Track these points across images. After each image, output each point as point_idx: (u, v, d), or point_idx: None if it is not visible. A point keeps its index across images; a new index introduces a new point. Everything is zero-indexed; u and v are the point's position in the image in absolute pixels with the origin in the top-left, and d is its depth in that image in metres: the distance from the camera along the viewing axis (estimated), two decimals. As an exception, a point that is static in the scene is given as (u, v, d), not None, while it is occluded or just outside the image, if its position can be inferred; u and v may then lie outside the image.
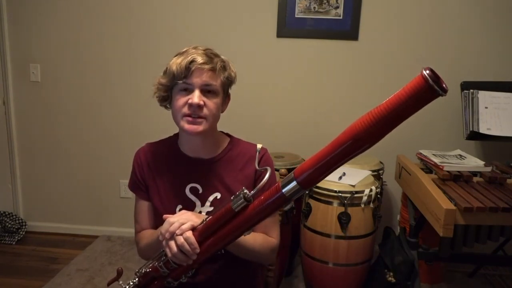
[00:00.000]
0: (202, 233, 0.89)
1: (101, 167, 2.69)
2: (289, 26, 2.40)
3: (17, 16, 2.55)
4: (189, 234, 0.88)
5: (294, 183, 0.75)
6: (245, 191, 0.83)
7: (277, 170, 1.71)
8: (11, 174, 2.73)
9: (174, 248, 0.88)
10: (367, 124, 0.66)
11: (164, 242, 0.91)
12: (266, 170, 0.88)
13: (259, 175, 1.10)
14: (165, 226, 0.91)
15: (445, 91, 0.60)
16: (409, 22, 2.35)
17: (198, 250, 0.88)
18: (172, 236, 0.89)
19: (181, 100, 1.02)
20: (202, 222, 0.90)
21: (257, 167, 0.97)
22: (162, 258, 0.95)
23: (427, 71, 0.59)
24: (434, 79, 0.59)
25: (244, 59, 2.45)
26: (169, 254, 0.90)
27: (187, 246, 0.87)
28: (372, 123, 0.65)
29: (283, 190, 0.77)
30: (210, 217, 0.89)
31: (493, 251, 2.23)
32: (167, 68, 1.05)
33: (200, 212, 1.09)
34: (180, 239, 0.88)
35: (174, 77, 1.01)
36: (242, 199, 0.82)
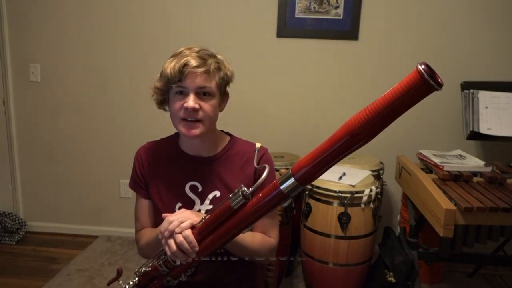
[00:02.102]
0: (201, 231, 0.89)
1: (101, 167, 2.69)
2: (289, 26, 2.40)
3: (17, 16, 2.55)
4: (188, 232, 0.89)
5: (292, 180, 0.75)
6: (244, 188, 0.83)
7: (277, 170, 1.71)
8: (11, 174, 2.73)
9: (173, 246, 0.89)
10: (363, 120, 0.66)
11: (163, 241, 0.92)
12: (264, 168, 0.88)
13: (259, 174, 1.10)
14: (164, 224, 0.92)
15: (440, 85, 0.60)
16: (409, 22, 2.35)
17: (197, 248, 0.88)
18: (172, 234, 0.90)
19: (177, 104, 1.03)
20: (201, 221, 0.90)
21: (255, 165, 0.97)
22: (162, 257, 0.95)
23: (423, 66, 0.59)
24: (429, 73, 0.59)
25: (244, 59, 2.45)
26: (168, 253, 0.90)
27: (186, 244, 0.88)
28: (369, 118, 0.65)
29: (281, 187, 0.77)
30: (209, 215, 0.89)
31: (493, 251, 2.22)
32: (162, 71, 1.05)
33: (199, 210, 1.09)
34: (179, 237, 0.88)
35: (168, 81, 1.02)
36: (241, 197, 0.83)
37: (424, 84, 0.59)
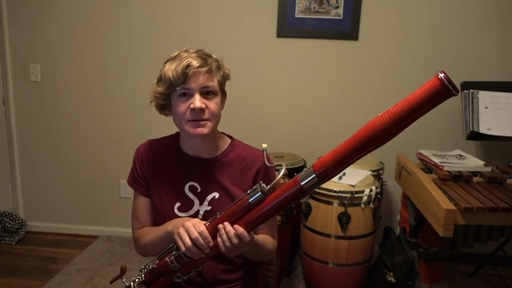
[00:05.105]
0: (215, 227, 0.91)
1: (101, 167, 2.69)
2: (289, 26, 2.40)
3: (17, 16, 2.55)
4: (203, 227, 0.91)
5: (313, 176, 0.81)
6: (262, 184, 0.88)
7: (277, 170, 1.71)
8: (11, 174, 2.73)
9: (188, 242, 0.90)
10: (387, 122, 0.72)
11: (176, 236, 0.93)
12: (282, 166, 0.92)
13: (260, 179, 1.10)
14: (176, 222, 0.97)
15: (458, 91, 0.68)
16: (409, 22, 2.35)
17: (211, 244, 0.91)
18: (187, 230, 0.91)
19: (182, 106, 1.02)
20: (215, 217, 0.93)
21: (267, 163, 1.01)
22: (174, 253, 0.95)
23: (443, 74, 0.68)
24: (448, 80, 0.67)
25: (244, 59, 2.45)
26: (182, 248, 0.91)
27: (201, 240, 0.90)
28: (392, 120, 0.72)
29: (302, 183, 0.82)
30: (224, 211, 0.92)
31: (493, 251, 2.22)
32: (161, 75, 1.04)
33: (198, 211, 1.10)
34: (195, 233, 0.90)
35: (171, 84, 1.01)
36: (260, 192, 0.87)
37: (444, 90, 0.68)
